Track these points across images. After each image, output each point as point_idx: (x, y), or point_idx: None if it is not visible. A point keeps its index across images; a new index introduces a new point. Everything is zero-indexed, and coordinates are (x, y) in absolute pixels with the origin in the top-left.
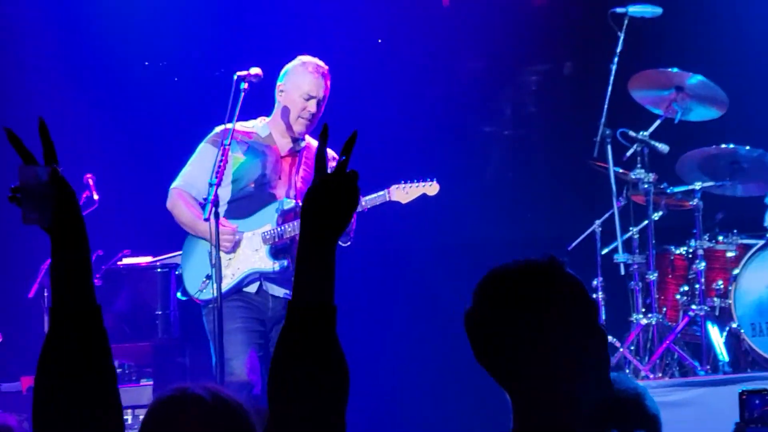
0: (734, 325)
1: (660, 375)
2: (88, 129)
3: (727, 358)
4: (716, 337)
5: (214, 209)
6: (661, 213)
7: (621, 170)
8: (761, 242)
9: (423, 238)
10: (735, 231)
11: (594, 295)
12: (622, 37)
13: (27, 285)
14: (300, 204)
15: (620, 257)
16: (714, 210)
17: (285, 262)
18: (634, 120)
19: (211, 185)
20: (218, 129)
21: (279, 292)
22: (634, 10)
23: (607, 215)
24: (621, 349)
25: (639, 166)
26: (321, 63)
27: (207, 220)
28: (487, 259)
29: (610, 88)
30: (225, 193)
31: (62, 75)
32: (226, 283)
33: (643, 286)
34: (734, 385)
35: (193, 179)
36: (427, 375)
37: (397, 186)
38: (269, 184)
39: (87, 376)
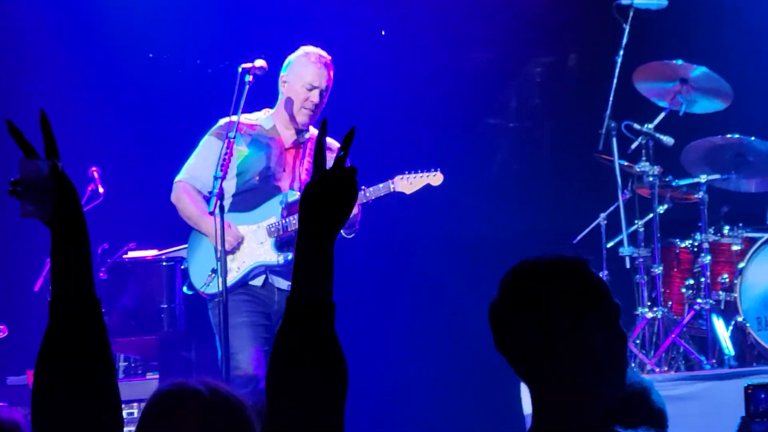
0: (740, 319)
1: (665, 369)
2: (93, 122)
3: (732, 352)
4: (722, 330)
5: (219, 202)
6: (666, 206)
7: (626, 163)
8: (767, 236)
9: (428, 230)
10: (740, 224)
11: None
12: (627, 29)
13: (32, 279)
14: None
15: (625, 250)
16: (719, 203)
17: (290, 255)
18: (639, 112)
19: (216, 178)
20: (222, 121)
21: (285, 284)
22: (639, 2)
23: (612, 208)
24: None
25: (644, 158)
26: (324, 53)
27: (212, 213)
28: (491, 252)
29: (615, 81)
30: (230, 186)
31: (67, 68)
32: (232, 277)
33: (649, 280)
34: (740, 379)
35: (197, 172)
36: (431, 367)
37: (400, 176)
38: (274, 177)
39: (86, 371)
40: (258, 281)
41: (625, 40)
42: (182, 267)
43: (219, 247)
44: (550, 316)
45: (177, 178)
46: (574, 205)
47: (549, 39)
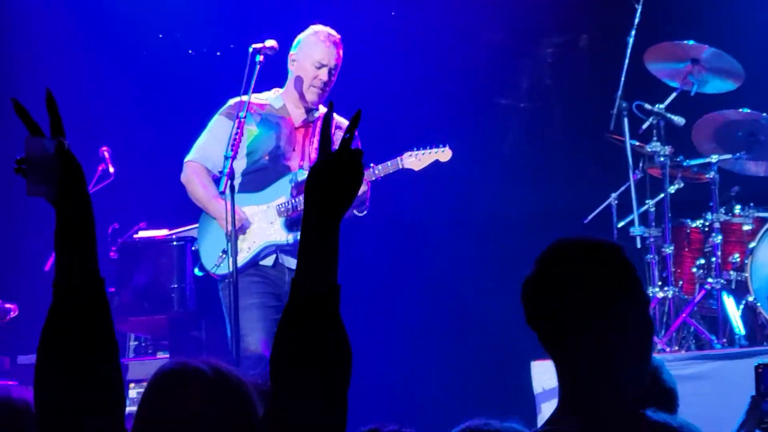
0: (750, 299)
1: (676, 348)
2: (103, 102)
3: (743, 332)
4: (732, 310)
5: (229, 182)
6: (677, 186)
7: (637, 143)
8: None
9: (439, 210)
10: (751, 204)
11: None
12: (639, 10)
13: (43, 258)
14: None
15: (636, 230)
16: (730, 183)
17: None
18: (651, 93)
19: (226, 158)
20: (232, 101)
21: (295, 264)
22: None
23: (623, 188)
24: None
25: (655, 138)
26: (333, 32)
27: (223, 193)
28: (502, 232)
29: (626, 61)
30: (240, 165)
31: (77, 48)
32: (243, 257)
33: (660, 260)
34: (750, 359)
35: (208, 152)
36: (441, 346)
37: (409, 153)
38: (283, 156)
39: (88, 350)
40: (269, 261)
41: (636, 21)
42: (193, 248)
43: (229, 228)
44: (584, 294)
45: (187, 158)
46: (585, 185)
47: (561, 19)
